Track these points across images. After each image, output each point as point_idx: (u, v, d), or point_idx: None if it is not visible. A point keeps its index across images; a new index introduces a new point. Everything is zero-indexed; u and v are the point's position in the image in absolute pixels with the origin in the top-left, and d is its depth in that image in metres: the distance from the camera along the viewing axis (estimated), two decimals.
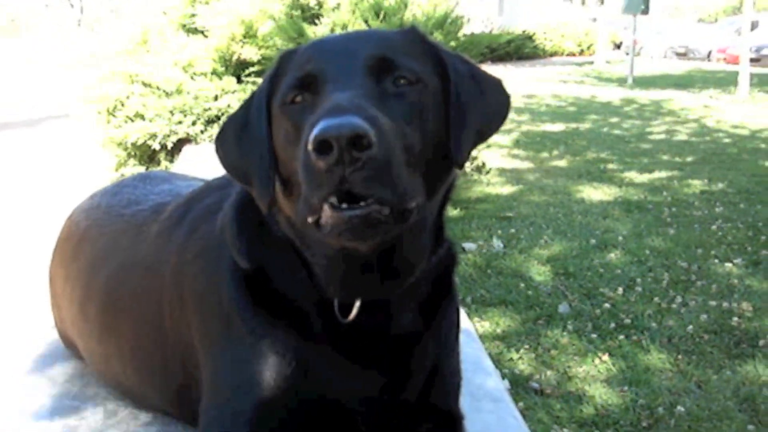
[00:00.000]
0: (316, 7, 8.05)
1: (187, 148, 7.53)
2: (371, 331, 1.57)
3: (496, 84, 1.63)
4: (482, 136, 1.55)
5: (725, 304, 5.12)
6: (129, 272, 1.98)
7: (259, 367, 1.56)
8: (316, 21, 7.86)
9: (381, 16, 7.40)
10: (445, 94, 1.48)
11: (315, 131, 1.16)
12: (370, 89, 1.34)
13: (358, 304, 1.52)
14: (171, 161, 7.75)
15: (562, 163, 10.04)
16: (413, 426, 1.71)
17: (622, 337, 4.66)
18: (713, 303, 5.15)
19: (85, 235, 2.22)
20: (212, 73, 7.83)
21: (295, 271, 1.56)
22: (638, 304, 5.17)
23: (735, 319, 4.90)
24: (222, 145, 1.58)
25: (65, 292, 2.26)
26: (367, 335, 1.57)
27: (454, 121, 1.46)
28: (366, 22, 7.30)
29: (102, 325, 2.06)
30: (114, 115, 7.73)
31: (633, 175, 9.20)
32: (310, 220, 1.27)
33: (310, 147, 1.17)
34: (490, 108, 1.57)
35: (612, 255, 6.18)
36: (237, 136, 1.54)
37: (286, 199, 1.48)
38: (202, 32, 8.30)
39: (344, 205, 1.20)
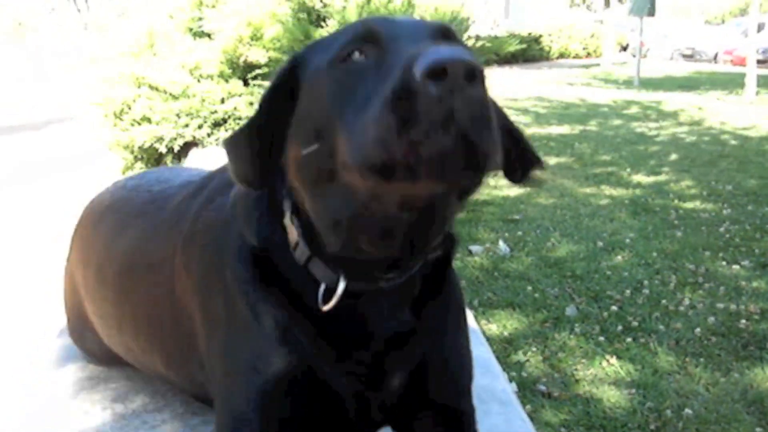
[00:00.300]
0: (323, 10, 8.06)
1: (194, 152, 7.55)
2: (356, 317, 1.55)
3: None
4: None
5: (733, 307, 5.11)
6: (150, 236, 1.99)
7: (259, 346, 1.56)
8: (322, 24, 7.88)
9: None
10: None
11: (426, 59, 1.06)
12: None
13: (340, 289, 1.48)
14: (178, 164, 7.76)
15: (568, 165, 10.02)
16: (407, 419, 1.71)
17: (629, 339, 4.66)
18: (721, 305, 5.14)
19: (109, 208, 2.24)
20: (219, 76, 7.85)
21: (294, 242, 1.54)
22: (645, 307, 5.16)
23: (743, 321, 4.89)
24: (232, 142, 1.53)
25: (82, 261, 2.27)
26: (351, 323, 1.55)
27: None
28: None
29: (118, 288, 2.07)
30: (120, 118, 7.75)
31: (640, 177, 9.18)
32: (388, 160, 1.09)
33: (419, 75, 1.06)
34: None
35: (619, 257, 6.17)
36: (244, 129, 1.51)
37: (299, 171, 1.41)
38: (209, 35, 8.31)
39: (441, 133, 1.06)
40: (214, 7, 8.57)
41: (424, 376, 1.66)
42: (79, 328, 2.42)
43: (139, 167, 7.99)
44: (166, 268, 1.88)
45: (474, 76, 1.05)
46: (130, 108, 7.70)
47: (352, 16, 7.54)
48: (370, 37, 1.29)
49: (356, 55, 1.28)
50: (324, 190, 1.31)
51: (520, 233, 6.82)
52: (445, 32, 1.36)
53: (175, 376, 1.98)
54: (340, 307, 1.49)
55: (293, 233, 1.50)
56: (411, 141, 1.06)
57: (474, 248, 6.30)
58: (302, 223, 1.47)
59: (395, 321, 1.54)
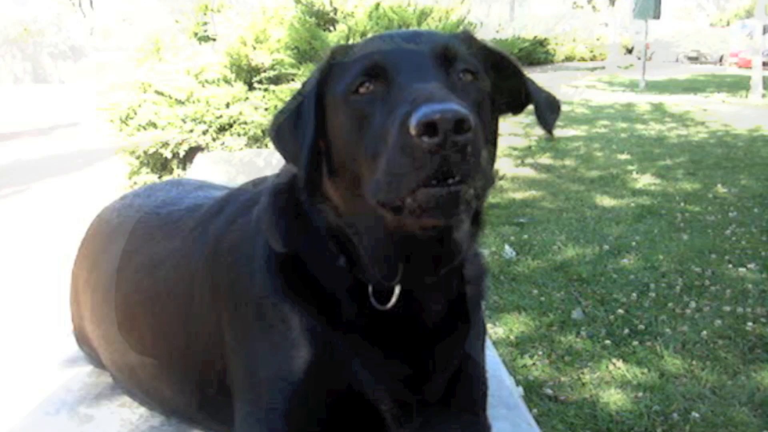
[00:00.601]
0: (332, 13, 8.07)
1: (199, 157, 7.56)
2: (403, 319, 1.60)
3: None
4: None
5: (739, 309, 5.10)
6: (161, 262, 2.01)
7: (290, 356, 1.59)
8: (332, 28, 7.89)
9: (398, 26, 7.43)
10: (493, 91, 1.56)
11: (419, 115, 1.21)
12: (444, 81, 1.41)
13: (397, 290, 1.56)
14: (183, 169, 7.78)
15: (575, 168, 10.03)
16: (440, 427, 1.74)
17: (636, 342, 4.65)
18: (727, 308, 5.13)
19: (117, 230, 2.25)
20: (223, 81, 7.86)
21: (333, 257, 1.59)
22: (652, 310, 5.16)
23: (749, 324, 4.88)
24: (277, 132, 1.61)
25: (90, 283, 2.28)
26: (398, 324, 1.60)
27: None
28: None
29: (126, 313, 2.08)
30: (126, 124, 7.77)
31: (646, 180, 9.18)
32: (395, 202, 1.31)
33: (413, 131, 1.22)
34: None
35: (625, 261, 6.17)
36: (292, 124, 1.57)
37: (334, 186, 1.54)
38: (213, 40, 8.33)
39: (434, 182, 1.25)
40: (219, 11, 8.59)
41: (456, 384, 1.72)
42: (82, 343, 2.45)
43: (145, 172, 8.00)
44: (180, 294, 1.90)
45: (461, 127, 1.21)
46: (135, 113, 7.71)
47: (362, 22, 7.56)
48: (376, 71, 1.44)
49: (365, 87, 1.44)
50: (357, 208, 1.48)
51: (525, 236, 6.82)
52: (447, 53, 1.48)
53: (184, 401, 1.98)
54: (387, 309, 1.55)
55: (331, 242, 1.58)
56: (410, 189, 1.26)
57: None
58: (339, 231, 1.55)
59: (435, 319, 1.61)
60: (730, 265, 6.04)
